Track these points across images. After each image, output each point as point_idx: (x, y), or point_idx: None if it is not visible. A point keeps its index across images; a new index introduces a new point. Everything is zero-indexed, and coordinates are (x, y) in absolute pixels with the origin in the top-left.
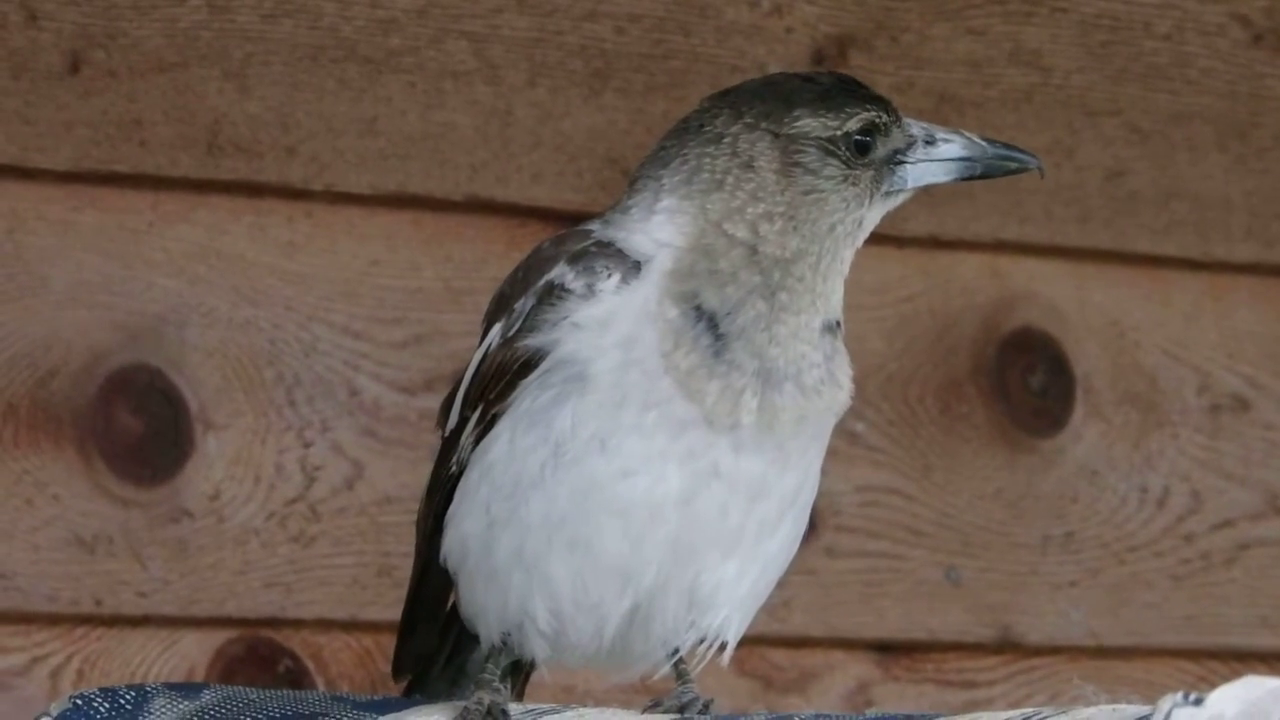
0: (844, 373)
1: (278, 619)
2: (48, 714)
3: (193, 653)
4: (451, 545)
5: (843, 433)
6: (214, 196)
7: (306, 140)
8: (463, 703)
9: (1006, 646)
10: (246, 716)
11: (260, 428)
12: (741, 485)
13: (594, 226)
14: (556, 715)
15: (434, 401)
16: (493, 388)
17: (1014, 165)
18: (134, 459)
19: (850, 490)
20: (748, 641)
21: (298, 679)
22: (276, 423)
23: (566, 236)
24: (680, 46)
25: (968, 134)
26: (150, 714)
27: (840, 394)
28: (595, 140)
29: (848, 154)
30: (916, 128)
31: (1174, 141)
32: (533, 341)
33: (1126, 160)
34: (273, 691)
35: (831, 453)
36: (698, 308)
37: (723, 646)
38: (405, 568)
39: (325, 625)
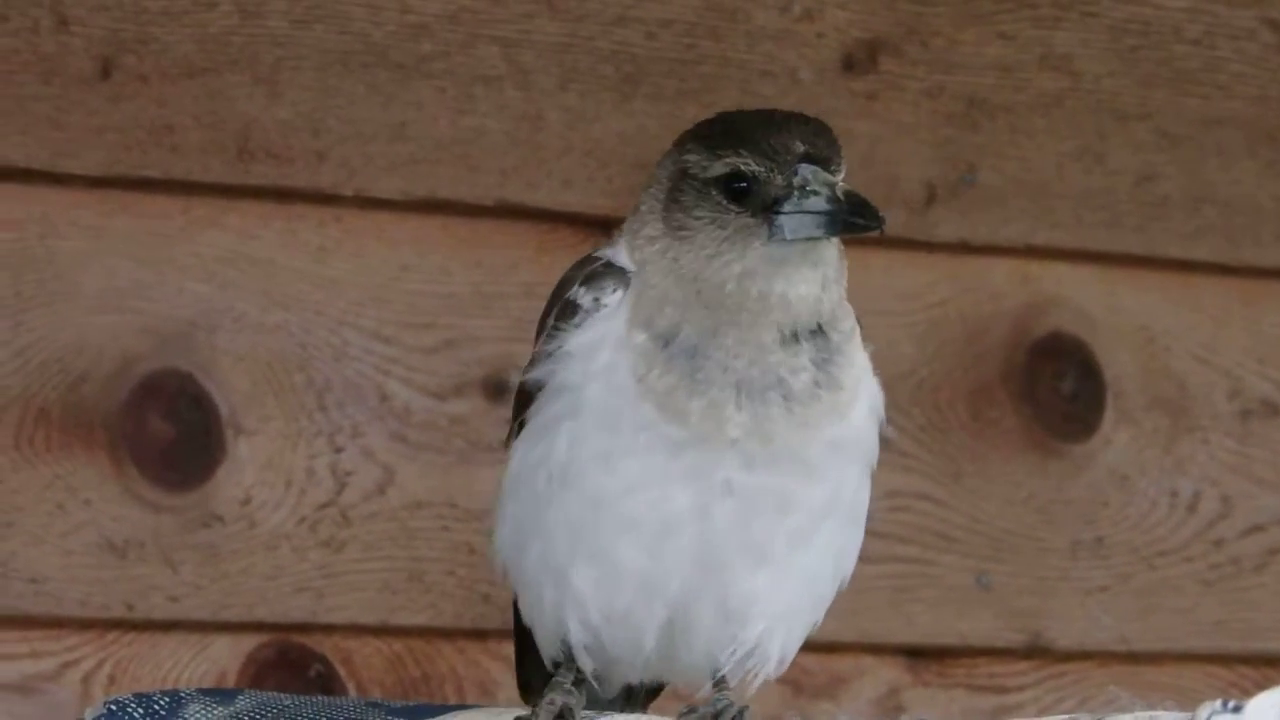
0: (848, 373)
1: (309, 624)
2: (82, 719)
3: (224, 657)
4: (495, 553)
5: None
6: (244, 202)
7: (337, 145)
8: (531, 706)
9: (1036, 652)
10: None
11: (291, 433)
12: (763, 499)
13: (603, 252)
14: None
15: (464, 406)
16: (521, 398)
17: (859, 225)
18: (165, 464)
19: (881, 495)
20: None
21: (328, 684)
22: (307, 428)
23: (583, 260)
24: (711, 51)
25: (840, 187)
26: (184, 719)
27: (841, 394)
28: (625, 145)
29: (720, 198)
30: (801, 176)
31: (1204, 146)
32: (539, 372)
33: (1156, 165)
34: (306, 698)
35: None
36: (662, 330)
37: (777, 661)
38: (435, 572)
39: (356, 630)
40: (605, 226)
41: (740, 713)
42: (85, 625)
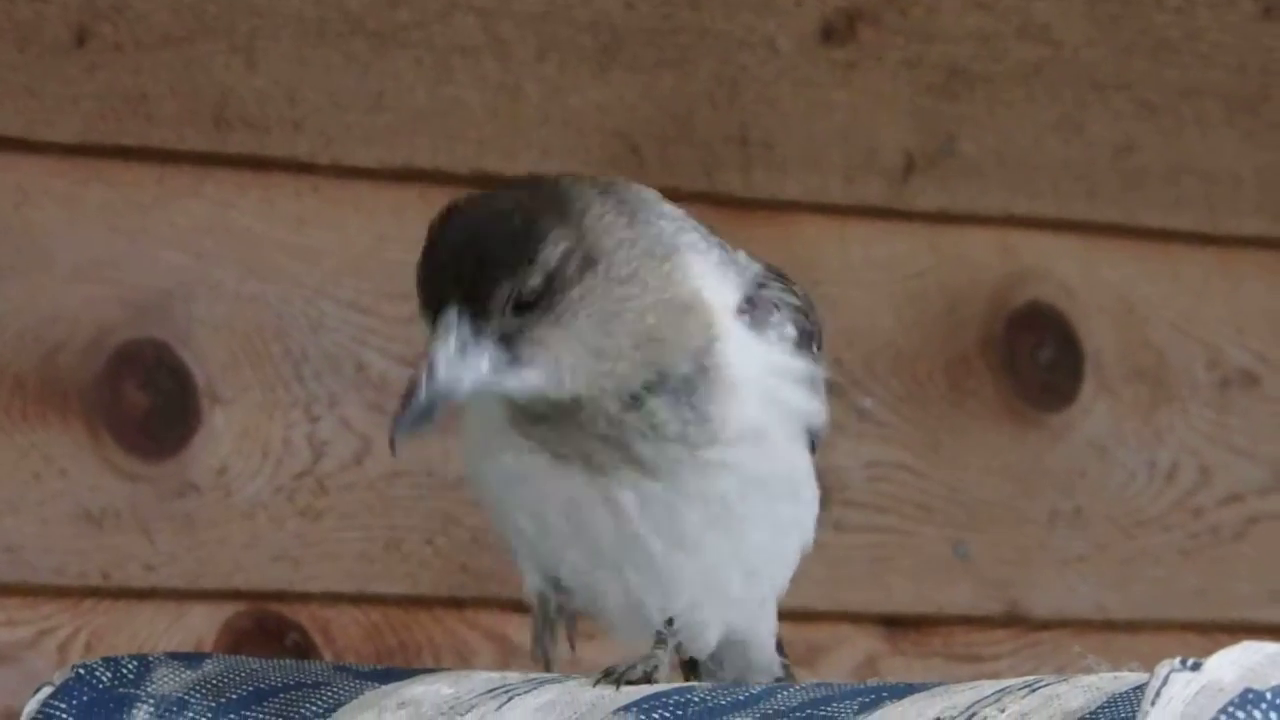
0: (720, 406)
1: (285, 592)
2: (50, 683)
3: (200, 626)
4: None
5: (851, 408)
6: (221, 171)
7: (313, 114)
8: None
9: (1014, 620)
10: (248, 686)
11: (268, 402)
12: (650, 503)
13: None
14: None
15: None
16: None
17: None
18: (141, 433)
19: (858, 465)
20: None
21: (305, 652)
22: (284, 397)
23: None
24: (689, 21)
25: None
26: (152, 683)
27: (708, 426)
28: (604, 116)
29: None
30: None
31: (1183, 116)
32: None
33: (1136, 135)
34: (275, 661)
35: (840, 428)
36: None
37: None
38: (412, 541)
39: (333, 599)
40: None
41: (647, 675)
42: (61, 593)
